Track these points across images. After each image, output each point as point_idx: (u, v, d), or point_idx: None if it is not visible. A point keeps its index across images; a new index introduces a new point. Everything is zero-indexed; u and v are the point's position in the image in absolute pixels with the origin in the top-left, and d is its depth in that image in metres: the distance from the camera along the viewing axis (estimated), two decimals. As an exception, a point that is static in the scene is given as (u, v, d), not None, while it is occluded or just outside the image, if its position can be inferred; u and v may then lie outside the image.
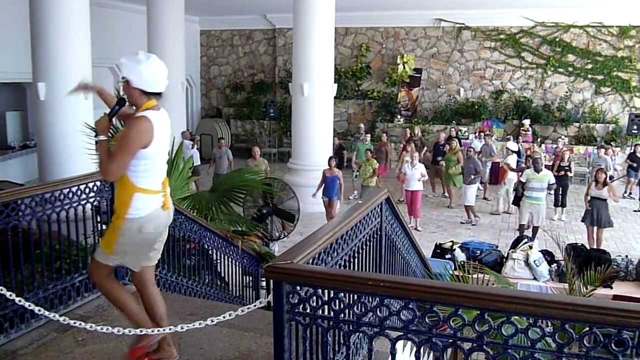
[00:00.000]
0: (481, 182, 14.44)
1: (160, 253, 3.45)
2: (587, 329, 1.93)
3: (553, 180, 11.27)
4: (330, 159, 12.01)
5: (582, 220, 10.92)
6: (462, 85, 19.59)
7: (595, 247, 10.12)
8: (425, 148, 16.47)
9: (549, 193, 11.81)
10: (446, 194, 14.90)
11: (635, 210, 13.77)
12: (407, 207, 12.28)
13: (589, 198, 10.63)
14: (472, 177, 12.68)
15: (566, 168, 13.11)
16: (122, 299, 3.28)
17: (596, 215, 10.48)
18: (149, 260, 3.36)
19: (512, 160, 13.67)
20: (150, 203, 3.19)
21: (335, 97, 14.49)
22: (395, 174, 14.43)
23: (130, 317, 3.29)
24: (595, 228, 10.58)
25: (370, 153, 13.39)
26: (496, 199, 13.83)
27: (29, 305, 3.44)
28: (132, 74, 3.12)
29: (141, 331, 3.22)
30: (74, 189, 4.29)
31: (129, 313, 3.29)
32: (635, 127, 16.71)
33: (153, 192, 3.20)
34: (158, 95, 3.22)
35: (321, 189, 11.86)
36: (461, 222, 12.73)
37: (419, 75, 19.61)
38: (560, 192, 12.96)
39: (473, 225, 12.52)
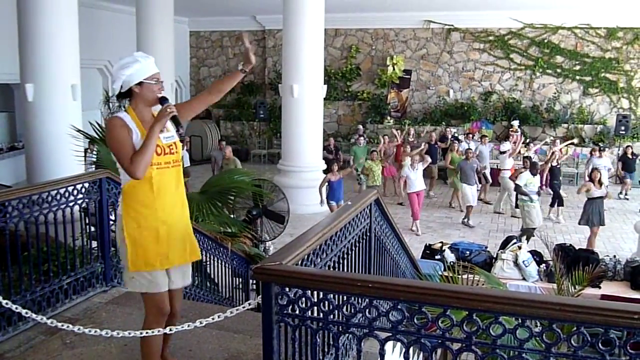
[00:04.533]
0: (480, 183, 14.52)
1: None
2: (575, 328, 1.94)
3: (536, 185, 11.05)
4: (332, 163, 11.98)
5: (585, 223, 10.70)
6: (452, 87, 19.66)
7: (590, 247, 10.22)
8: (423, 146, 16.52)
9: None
10: (431, 194, 15.05)
11: (619, 194, 13.91)
12: (412, 210, 12.22)
13: (588, 198, 10.57)
14: (470, 178, 12.75)
15: (557, 168, 13.22)
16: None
17: (603, 215, 10.57)
18: None
19: (509, 163, 13.73)
20: None
21: (325, 99, 14.51)
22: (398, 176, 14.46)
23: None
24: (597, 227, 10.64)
25: (375, 154, 13.37)
26: (497, 199, 13.96)
27: (17, 308, 3.41)
28: (117, 83, 3.10)
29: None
30: (61, 191, 4.27)
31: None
32: (622, 127, 16.83)
33: None
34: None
35: (324, 195, 11.82)
36: (464, 224, 12.75)
37: (409, 76, 19.64)
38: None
39: (471, 227, 12.53)
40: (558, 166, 13.29)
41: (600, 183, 10.55)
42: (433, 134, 16.55)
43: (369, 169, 12.93)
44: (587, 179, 11.38)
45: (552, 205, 13.14)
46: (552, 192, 13.24)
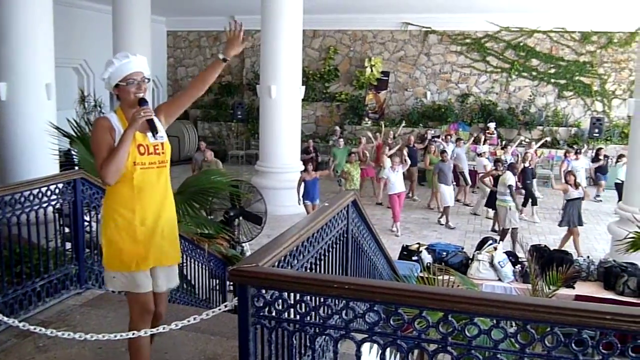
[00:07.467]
0: (458, 185, 14.59)
1: None
2: (549, 329, 1.96)
3: (510, 182, 11.15)
4: (307, 162, 11.97)
5: (567, 224, 10.81)
6: (429, 89, 19.78)
7: (562, 247, 10.38)
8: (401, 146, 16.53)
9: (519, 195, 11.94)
10: (415, 197, 15.08)
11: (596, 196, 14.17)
12: (393, 212, 12.22)
13: (567, 200, 10.77)
14: (447, 179, 12.87)
15: (530, 169, 13.40)
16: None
17: (581, 215, 10.79)
18: None
19: (487, 163, 13.90)
20: None
21: (303, 100, 14.47)
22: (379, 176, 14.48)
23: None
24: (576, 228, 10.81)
25: (354, 156, 13.29)
26: (477, 201, 14.04)
27: (-12, 311, 3.36)
28: (104, 77, 3.08)
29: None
30: (35, 192, 4.20)
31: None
32: (596, 130, 17.11)
33: None
34: None
35: (301, 194, 11.80)
36: (440, 223, 12.81)
37: (387, 78, 19.74)
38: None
39: (452, 228, 12.55)
40: (531, 167, 13.44)
41: (576, 185, 10.74)
42: (411, 136, 16.65)
43: (348, 173, 12.84)
44: (563, 181, 11.49)
45: (524, 205, 13.24)
46: (524, 193, 13.38)
